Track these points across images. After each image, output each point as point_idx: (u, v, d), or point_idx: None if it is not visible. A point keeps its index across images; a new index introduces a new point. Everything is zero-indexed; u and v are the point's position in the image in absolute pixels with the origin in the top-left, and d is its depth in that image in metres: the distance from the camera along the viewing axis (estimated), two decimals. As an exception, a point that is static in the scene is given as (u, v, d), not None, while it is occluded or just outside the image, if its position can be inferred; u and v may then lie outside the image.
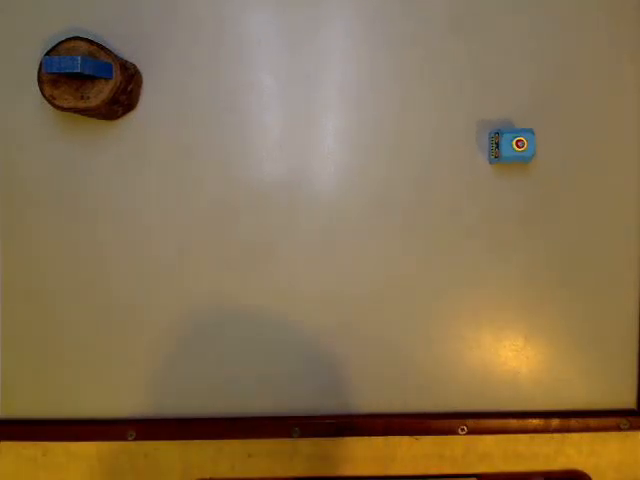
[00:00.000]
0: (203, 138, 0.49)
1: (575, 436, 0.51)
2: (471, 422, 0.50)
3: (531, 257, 0.51)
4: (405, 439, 0.51)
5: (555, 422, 0.51)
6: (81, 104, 0.43)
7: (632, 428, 0.51)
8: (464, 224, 0.51)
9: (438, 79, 0.50)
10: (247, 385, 0.51)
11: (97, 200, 0.50)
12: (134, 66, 0.48)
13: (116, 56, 0.45)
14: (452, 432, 0.50)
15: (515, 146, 0.46)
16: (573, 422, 0.51)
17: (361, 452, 0.51)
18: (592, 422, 0.51)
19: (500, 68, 0.50)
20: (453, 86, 0.50)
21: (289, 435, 0.50)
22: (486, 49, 0.50)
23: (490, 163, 0.50)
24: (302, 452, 0.51)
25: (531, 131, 0.46)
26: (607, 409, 0.52)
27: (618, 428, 0.51)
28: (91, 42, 0.43)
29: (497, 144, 0.46)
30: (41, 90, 0.43)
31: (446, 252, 0.51)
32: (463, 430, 0.50)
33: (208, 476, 0.51)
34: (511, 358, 0.52)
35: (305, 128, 0.50)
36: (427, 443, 0.51)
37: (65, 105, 0.43)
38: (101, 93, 0.43)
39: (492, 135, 0.48)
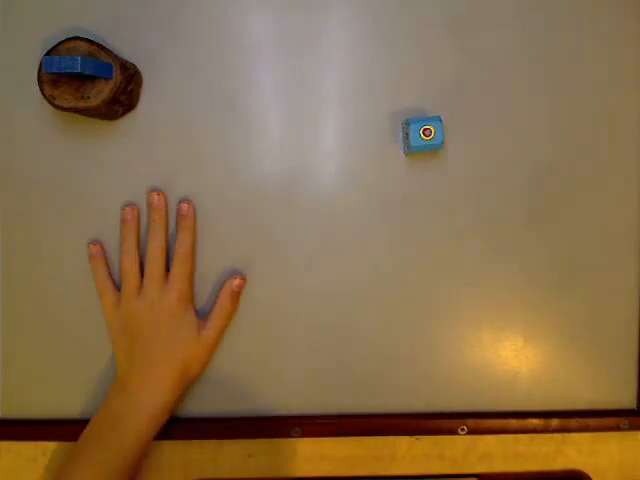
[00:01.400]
0: (203, 138, 0.49)
1: (575, 436, 0.52)
2: (471, 422, 0.50)
3: (531, 257, 0.51)
4: (405, 439, 0.51)
5: (555, 422, 0.51)
6: (81, 104, 0.43)
7: (632, 428, 0.51)
8: (464, 224, 0.51)
9: (441, 80, 0.50)
10: (247, 385, 0.51)
11: (97, 200, 0.50)
12: (134, 66, 0.48)
13: (116, 56, 0.45)
14: (452, 432, 0.50)
15: (423, 135, 0.46)
16: (573, 422, 0.51)
17: (361, 452, 0.51)
18: (592, 422, 0.51)
19: (503, 68, 0.50)
20: (455, 87, 0.50)
21: (289, 435, 0.50)
22: (490, 49, 0.50)
23: (405, 154, 0.50)
24: (302, 452, 0.51)
25: (438, 119, 0.46)
26: (607, 409, 0.52)
27: (618, 428, 0.51)
28: (91, 42, 0.43)
29: (407, 134, 0.46)
30: (41, 90, 0.43)
31: (446, 252, 0.51)
32: (463, 430, 0.50)
33: (208, 476, 0.51)
34: (511, 358, 0.52)
35: (305, 128, 0.50)
36: (427, 443, 0.51)
37: (65, 105, 0.43)
38: (101, 93, 0.43)
39: (403, 125, 0.48)
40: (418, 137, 0.46)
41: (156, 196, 0.49)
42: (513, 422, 0.51)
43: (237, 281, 0.49)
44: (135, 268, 0.48)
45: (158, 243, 0.48)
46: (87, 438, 0.46)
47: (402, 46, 0.50)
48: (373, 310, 0.51)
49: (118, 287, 0.49)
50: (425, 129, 0.45)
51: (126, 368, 0.47)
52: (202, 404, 0.51)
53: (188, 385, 0.49)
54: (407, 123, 0.47)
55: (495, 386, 0.52)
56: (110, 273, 0.50)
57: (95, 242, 0.50)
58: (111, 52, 0.44)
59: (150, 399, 0.46)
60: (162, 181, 0.49)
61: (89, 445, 0.45)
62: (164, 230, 0.49)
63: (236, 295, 0.49)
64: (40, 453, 0.51)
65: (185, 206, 0.49)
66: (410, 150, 0.47)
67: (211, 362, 0.50)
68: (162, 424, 0.47)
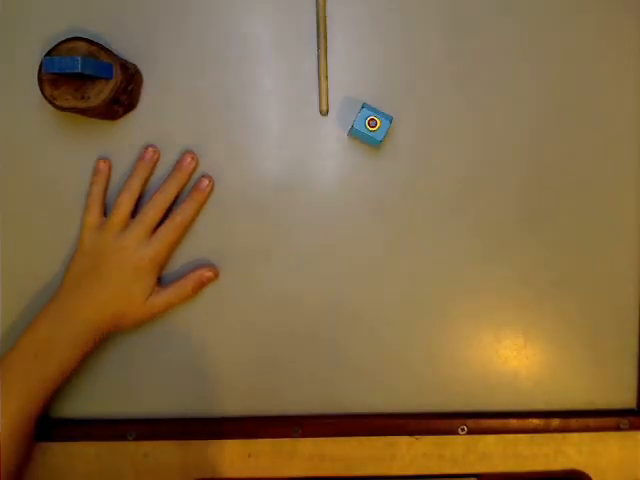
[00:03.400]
0: (203, 138, 0.49)
1: (575, 436, 0.52)
2: (471, 422, 0.50)
3: (531, 257, 0.51)
4: (405, 439, 0.51)
5: (555, 422, 0.51)
6: (81, 104, 0.43)
7: (632, 428, 0.51)
8: (464, 225, 0.51)
9: (442, 80, 0.50)
10: (247, 385, 0.51)
11: (97, 200, 0.50)
12: (134, 66, 0.48)
13: (116, 56, 0.45)
14: (452, 432, 0.50)
15: (367, 124, 0.46)
16: (573, 422, 0.51)
17: (361, 452, 0.51)
18: (592, 422, 0.51)
19: (502, 69, 0.50)
20: (456, 87, 0.50)
21: (289, 435, 0.50)
22: (488, 49, 0.50)
23: (347, 134, 0.50)
24: (302, 452, 0.51)
25: (389, 118, 0.46)
26: (607, 409, 0.52)
27: (618, 428, 0.51)
28: (91, 42, 0.43)
29: (357, 115, 0.46)
30: (41, 90, 0.43)
31: (446, 252, 0.51)
32: (463, 430, 0.50)
33: (208, 476, 0.51)
34: (511, 358, 0.52)
35: (305, 128, 0.50)
36: (427, 443, 0.51)
37: (65, 105, 0.43)
38: (101, 93, 0.43)
39: (361, 106, 0.48)
40: (363, 124, 0.46)
41: (189, 159, 0.48)
42: (513, 422, 0.51)
43: (209, 274, 0.49)
44: (129, 206, 0.47)
45: (165, 197, 0.47)
46: (9, 363, 0.45)
47: (403, 46, 0.50)
48: (373, 310, 0.51)
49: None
50: (371, 119, 0.46)
51: (68, 291, 0.47)
52: (202, 404, 0.51)
53: (112, 332, 0.48)
54: (362, 106, 0.47)
55: (495, 386, 0.52)
56: (105, 195, 0.49)
57: (106, 159, 0.49)
58: (111, 52, 0.44)
59: (81, 329, 0.46)
60: (162, 181, 0.49)
61: (11, 371, 0.45)
62: (177, 190, 0.48)
63: (201, 285, 0.49)
64: (40, 453, 0.50)
65: (206, 181, 0.49)
66: (351, 132, 0.47)
67: (211, 362, 0.51)
68: (83, 359, 0.47)
